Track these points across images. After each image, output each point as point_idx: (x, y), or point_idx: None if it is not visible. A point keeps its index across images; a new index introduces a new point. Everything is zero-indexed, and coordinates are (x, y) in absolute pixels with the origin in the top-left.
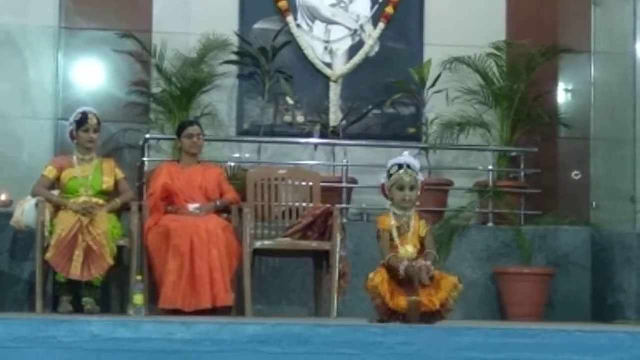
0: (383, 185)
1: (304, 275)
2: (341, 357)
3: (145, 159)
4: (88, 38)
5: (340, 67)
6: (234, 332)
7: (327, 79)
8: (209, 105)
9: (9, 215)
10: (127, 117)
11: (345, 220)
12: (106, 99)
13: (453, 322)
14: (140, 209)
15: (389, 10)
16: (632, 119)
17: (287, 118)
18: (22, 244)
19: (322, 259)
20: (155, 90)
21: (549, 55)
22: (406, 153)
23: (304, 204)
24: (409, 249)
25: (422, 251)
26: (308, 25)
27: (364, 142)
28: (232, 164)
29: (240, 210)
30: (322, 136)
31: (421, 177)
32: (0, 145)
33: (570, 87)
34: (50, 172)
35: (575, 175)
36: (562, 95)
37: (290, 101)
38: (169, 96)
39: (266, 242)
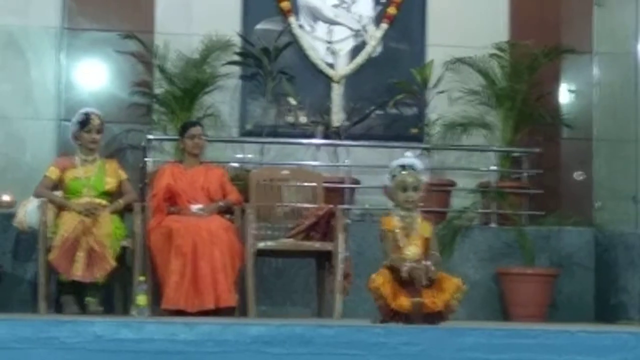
0: (386, 187)
1: (307, 275)
2: (344, 357)
3: (147, 159)
4: (90, 39)
5: (343, 67)
6: (237, 333)
7: (329, 79)
8: (211, 106)
9: (12, 216)
10: (129, 118)
11: (348, 221)
12: (108, 100)
13: (456, 322)
14: (143, 209)
15: (392, 10)
16: (634, 119)
17: (290, 118)
18: (25, 245)
19: (324, 259)
20: (158, 91)
21: (551, 56)
22: (408, 153)
23: (307, 205)
24: (413, 250)
25: (425, 252)
26: (310, 25)
27: (366, 143)
28: (235, 165)
29: (243, 211)
30: (325, 137)
31: (424, 178)
32: (3, 146)
33: (572, 88)
34: (53, 173)
35: (579, 175)
36: (565, 96)
37: (292, 102)
38: (172, 97)
39: (269, 243)
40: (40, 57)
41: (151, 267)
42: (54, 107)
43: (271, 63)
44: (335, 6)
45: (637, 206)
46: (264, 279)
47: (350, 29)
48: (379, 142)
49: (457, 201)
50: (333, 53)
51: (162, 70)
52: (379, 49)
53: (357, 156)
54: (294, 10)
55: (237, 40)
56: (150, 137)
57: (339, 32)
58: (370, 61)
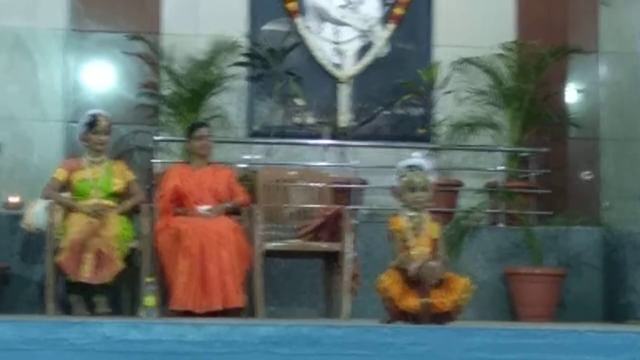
0: (393, 187)
1: (315, 276)
2: (352, 357)
3: (155, 160)
4: (97, 40)
5: (350, 68)
6: (245, 334)
7: (336, 80)
8: (218, 107)
9: (20, 218)
10: (136, 119)
11: (355, 222)
12: (116, 101)
13: (464, 322)
14: (151, 211)
15: (398, 11)
16: None
17: (297, 119)
18: (33, 246)
19: (332, 260)
20: (165, 92)
21: (558, 56)
22: (416, 154)
23: (315, 205)
24: (421, 250)
25: (433, 253)
26: (317, 26)
27: (373, 143)
28: (242, 166)
29: (251, 212)
30: (332, 137)
31: (432, 178)
32: (11, 147)
33: (579, 87)
34: (60, 174)
35: (586, 175)
36: (572, 95)
37: (299, 102)
38: (179, 98)
39: (277, 244)
40: (48, 58)
41: (159, 268)
42: (62, 109)
43: (278, 64)
44: (342, 7)
45: None
46: (271, 279)
47: (357, 29)
48: (386, 142)
49: (465, 201)
50: (340, 54)
51: (169, 71)
52: (386, 50)
53: (364, 157)
54: (301, 11)
55: (244, 41)
56: (158, 138)
57: (346, 33)
58: (377, 62)
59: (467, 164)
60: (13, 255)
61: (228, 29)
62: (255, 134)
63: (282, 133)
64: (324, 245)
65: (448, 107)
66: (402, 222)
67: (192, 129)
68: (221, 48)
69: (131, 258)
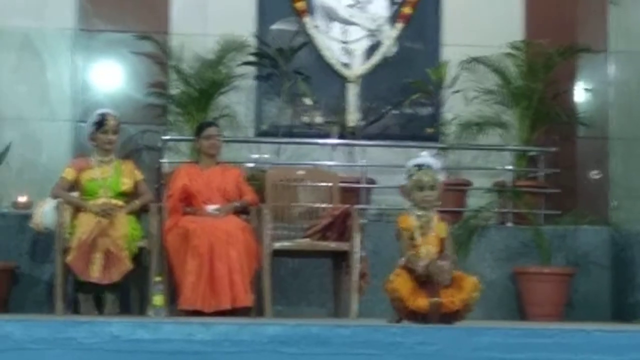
0: (402, 187)
1: (323, 275)
2: (361, 357)
3: (163, 160)
4: (106, 40)
5: (358, 67)
6: (253, 333)
7: (344, 79)
8: (227, 107)
9: (28, 217)
10: (145, 119)
11: (364, 221)
12: (124, 101)
13: (472, 322)
14: (159, 210)
15: (407, 10)
16: None
17: (305, 119)
18: (42, 245)
19: (341, 259)
20: (173, 91)
21: (566, 55)
22: (424, 153)
23: (323, 205)
24: (429, 249)
25: (441, 252)
26: (325, 25)
27: (382, 143)
28: (251, 165)
29: (259, 211)
30: (341, 137)
31: (440, 177)
32: (19, 147)
33: (588, 86)
34: (69, 174)
35: (595, 174)
36: (580, 95)
37: (308, 102)
38: (187, 97)
39: (285, 243)
40: (56, 58)
41: (167, 268)
42: (70, 108)
43: (286, 63)
44: (350, 6)
45: None
46: (280, 279)
47: (366, 28)
48: (395, 141)
49: (473, 201)
50: (348, 53)
51: (178, 71)
52: (394, 49)
53: (372, 156)
54: (309, 10)
55: (252, 41)
56: (166, 137)
57: (354, 32)
58: (385, 61)
59: (476, 163)
60: (22, 255)
61: (236, 28)
62: (263, 134)
63: (291, 132)
64: (332, 245)
65: (456, 106)
66: (410, 220)
67: (200, 129)
68: (230, 47)
69: (140, 257)
